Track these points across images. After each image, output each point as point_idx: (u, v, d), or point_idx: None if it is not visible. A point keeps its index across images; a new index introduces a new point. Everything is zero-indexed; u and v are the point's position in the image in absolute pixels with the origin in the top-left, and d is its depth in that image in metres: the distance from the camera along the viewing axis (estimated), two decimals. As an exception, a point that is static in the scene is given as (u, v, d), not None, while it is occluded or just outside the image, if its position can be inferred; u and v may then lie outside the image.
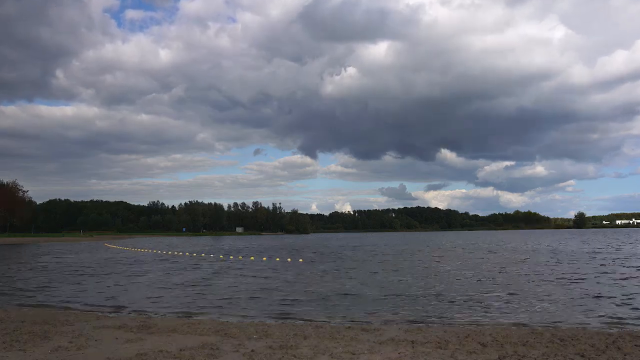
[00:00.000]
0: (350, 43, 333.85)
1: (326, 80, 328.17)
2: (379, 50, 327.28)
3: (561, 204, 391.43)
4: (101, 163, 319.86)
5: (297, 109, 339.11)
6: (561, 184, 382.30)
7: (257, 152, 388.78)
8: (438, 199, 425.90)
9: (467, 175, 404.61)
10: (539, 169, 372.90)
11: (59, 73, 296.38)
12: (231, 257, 41.24)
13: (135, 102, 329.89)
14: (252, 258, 38.74)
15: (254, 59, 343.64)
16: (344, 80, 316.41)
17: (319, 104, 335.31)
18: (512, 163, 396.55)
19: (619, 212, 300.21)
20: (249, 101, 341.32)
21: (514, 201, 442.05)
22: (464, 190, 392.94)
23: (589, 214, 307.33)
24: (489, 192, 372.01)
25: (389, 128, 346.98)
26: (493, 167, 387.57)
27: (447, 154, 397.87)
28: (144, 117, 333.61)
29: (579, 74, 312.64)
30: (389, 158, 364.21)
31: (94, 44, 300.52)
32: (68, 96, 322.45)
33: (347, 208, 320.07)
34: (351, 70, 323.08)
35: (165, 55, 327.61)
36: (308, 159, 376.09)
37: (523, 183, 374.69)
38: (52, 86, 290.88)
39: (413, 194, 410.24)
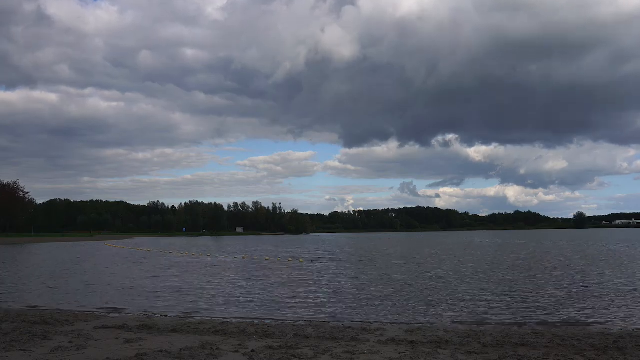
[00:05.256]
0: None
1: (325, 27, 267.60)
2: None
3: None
4: (84, 157, 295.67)
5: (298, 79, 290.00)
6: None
7: (251, 142, 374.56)
8: (444, 198, 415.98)
9: (481, 171, 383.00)
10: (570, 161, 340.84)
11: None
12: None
13: (104, 83, 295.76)
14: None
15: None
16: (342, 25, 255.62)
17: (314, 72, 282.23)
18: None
19: (618, 212, 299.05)
20: (230, 74, 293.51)
21: (522, 199, 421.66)
22: (464, 190, 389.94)
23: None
24: (498, 189, 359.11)
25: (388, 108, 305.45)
26: (510, 160, 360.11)
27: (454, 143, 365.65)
28: (119, 103, 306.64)
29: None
30: (389, 153, 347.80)
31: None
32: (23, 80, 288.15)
33: (348, 207, 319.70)
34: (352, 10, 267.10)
35: (125, 18, 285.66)
36: (302, 154, 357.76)
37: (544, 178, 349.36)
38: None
39: (418, 192, 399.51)
